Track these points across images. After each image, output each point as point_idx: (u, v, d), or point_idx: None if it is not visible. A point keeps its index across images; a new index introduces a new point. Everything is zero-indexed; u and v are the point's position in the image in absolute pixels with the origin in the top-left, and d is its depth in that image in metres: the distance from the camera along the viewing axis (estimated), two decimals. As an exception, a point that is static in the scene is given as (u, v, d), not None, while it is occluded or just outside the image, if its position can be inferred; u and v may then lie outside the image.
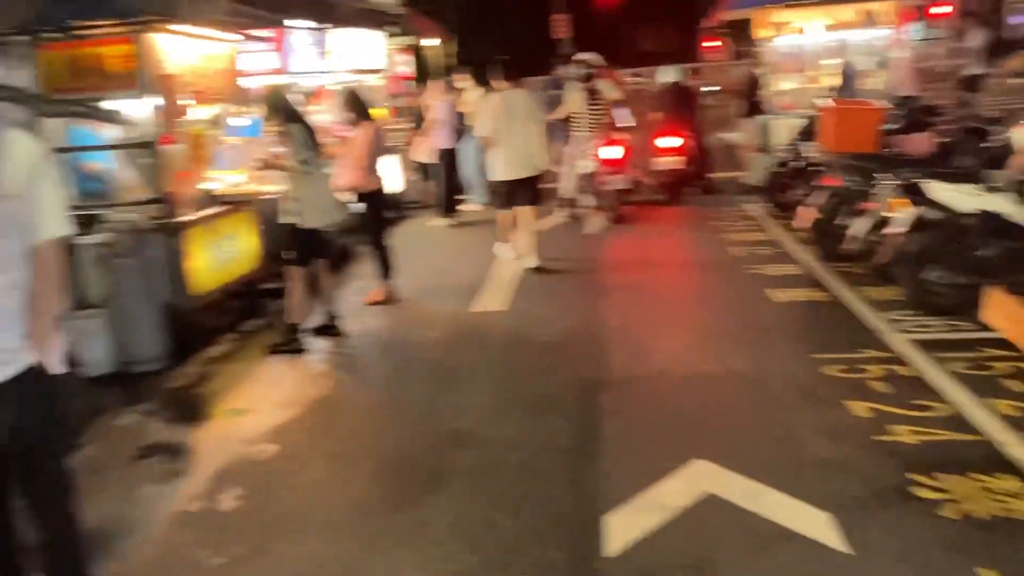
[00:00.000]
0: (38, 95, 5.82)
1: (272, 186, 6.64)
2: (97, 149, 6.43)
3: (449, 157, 10.48)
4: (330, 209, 6.22)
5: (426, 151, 10.50)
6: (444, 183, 10.52)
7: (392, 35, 11.49)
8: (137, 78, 5.88)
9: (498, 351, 5.95)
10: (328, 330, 6.28)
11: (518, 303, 7.01)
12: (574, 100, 9.77)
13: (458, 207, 10.95)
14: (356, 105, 7.08)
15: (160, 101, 6.00)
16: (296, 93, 9.15)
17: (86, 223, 5.95)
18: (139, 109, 6.02)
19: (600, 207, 9.72)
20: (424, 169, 10.98)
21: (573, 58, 10.75)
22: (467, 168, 11.10)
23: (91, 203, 6.26)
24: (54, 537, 2.76)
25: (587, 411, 4.75)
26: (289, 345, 6.06)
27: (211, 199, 6.78)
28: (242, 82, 7.73)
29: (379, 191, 7.13)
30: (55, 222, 2.59)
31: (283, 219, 6.12)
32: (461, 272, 8.19)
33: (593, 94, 9.67)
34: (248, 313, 7.02)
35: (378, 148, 7.12)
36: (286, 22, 8.22)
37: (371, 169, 7.00)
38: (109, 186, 6.69)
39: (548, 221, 10.05)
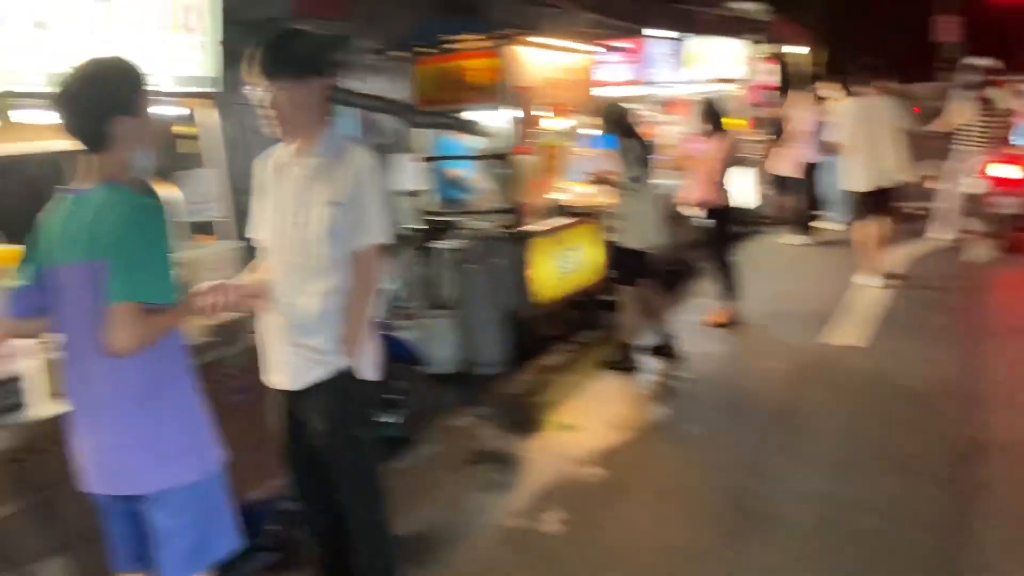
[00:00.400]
0: (409, 107, 6.21)
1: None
2: (458, 159, 6.75)
3: (811, 171, 9.74)
4: (652, 231, 5.85)
5: (787, 164, 9.83)
6: (804, 198, 9.79)
7: (755, 43, 10.97)
8: (497, 90, 6.05)
9: (851, 394, 5.30)
10: (662, 351, 6.02)
11: (880, 338, 6.23)
12: (959, 110, 8.63)
13: (816, 224, 10.18)
14: (712, 116, 6.76)
15: (518, 113, 6.12)
16: (652, 104, 9.04)
17: (443, 229, 6.27)
18: (497, 120, 6.20)
19: (987, 233, 8.45)
20: (781, 182, 10.32)
21: (962, 63, 9.50)
22: (829, 184, 10.28)
23: (450, 210, 6.59)
24: (362, 538, 2.80)
25: (962, 480, 4.01)
26: (622, 363, 5.89)
27: (559, 210, 6.84)
28: (597, 93, 7.74)
29: (728, 206, 6.74)
30: (376, 230, 2.63)
31: (608, 236, 5.97)
32: (815, 296, 7.51)
33: (985, 104, 8.46)
34: (585, 324, 6.99)
35: (731, 161, 6.72)
36: (645, 32, 8.10)
37: (722, 183, 6.63)
38: (468, 193, 7.02)
39: (925, 245, 8.98)
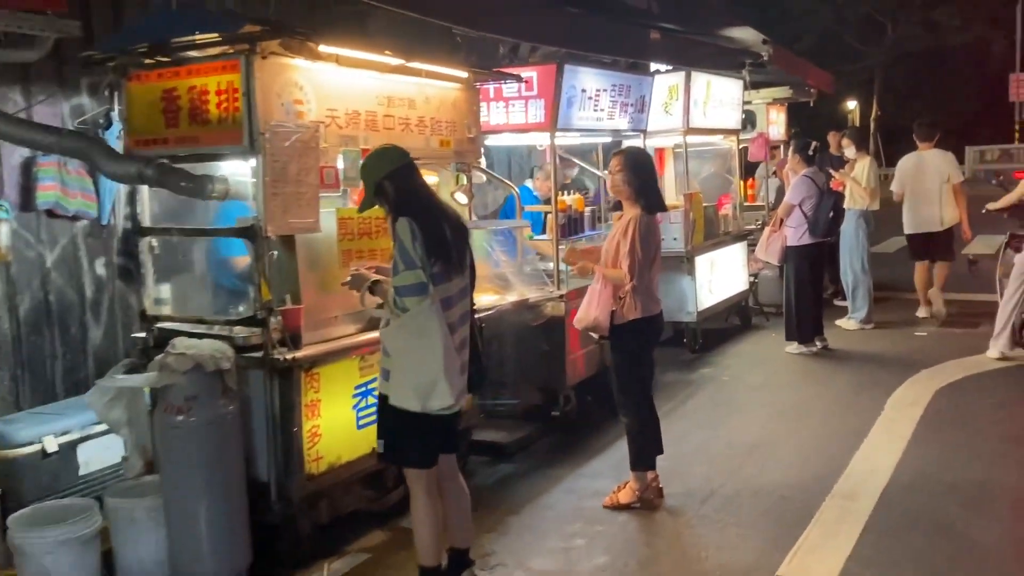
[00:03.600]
0: (102, 147, 3.82)
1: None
2: (169, 233, 4.22)
3: (810, 255, 6.99)
4: (436, 383, 3.23)
5: (776, 248, 7.06)
6: (802, 290, 7.01)
7: (752, 84, 8.41)
8: (243, 127, 3.65)
9: None
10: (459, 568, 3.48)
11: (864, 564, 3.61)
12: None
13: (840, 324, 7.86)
14: (633, 176, 4.25)
15: (280, 162, 3.70)
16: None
17: (158, 346, 3.85)
18: (248, 174, 3.81)
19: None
20: (780, 271, 7.67)
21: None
22: (846, 267, 7.75)
23: (191, 316, 4.15)
24: None
25: None
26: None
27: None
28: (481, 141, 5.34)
29: (643, 322, 4.19)
30: None
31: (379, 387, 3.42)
32: (802, 454, 4.92)
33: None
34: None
35: (650, 251, 4.19)
36: (571, 58, 5.62)
37: (637, 290, 4.09)
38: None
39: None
